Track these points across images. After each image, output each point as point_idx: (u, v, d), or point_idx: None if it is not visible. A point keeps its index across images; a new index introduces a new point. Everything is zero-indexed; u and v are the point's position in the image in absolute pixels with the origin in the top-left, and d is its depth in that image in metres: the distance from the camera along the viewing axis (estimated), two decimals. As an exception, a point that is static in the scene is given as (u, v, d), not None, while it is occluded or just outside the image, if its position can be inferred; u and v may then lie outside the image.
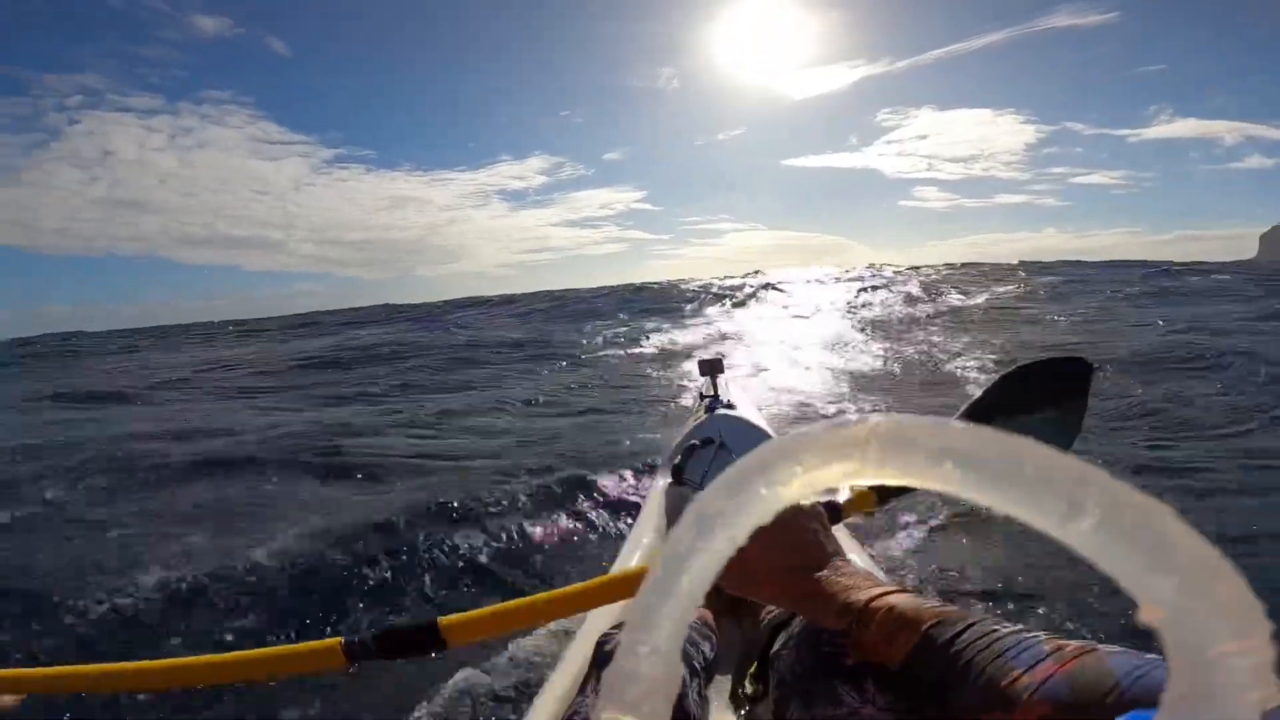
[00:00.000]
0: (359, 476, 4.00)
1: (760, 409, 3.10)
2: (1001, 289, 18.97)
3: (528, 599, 0.70)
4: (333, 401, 7.28)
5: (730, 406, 2.56)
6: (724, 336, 11.77)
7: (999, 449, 0.18)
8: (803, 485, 0.19)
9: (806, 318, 14.27)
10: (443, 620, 0.66)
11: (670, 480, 2.01)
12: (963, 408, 0.97)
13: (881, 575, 0.72)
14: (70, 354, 22.21)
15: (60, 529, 3.40)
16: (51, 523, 3.52)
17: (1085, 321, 10.83)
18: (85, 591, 2.55)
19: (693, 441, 2.15)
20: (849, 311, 15.00)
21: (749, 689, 0.86)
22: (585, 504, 3.40)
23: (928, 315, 13.08)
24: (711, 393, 2.75)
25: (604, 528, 3.22)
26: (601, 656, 0.77)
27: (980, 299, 16.38)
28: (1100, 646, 0.44)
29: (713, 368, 2.82)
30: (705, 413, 2.52)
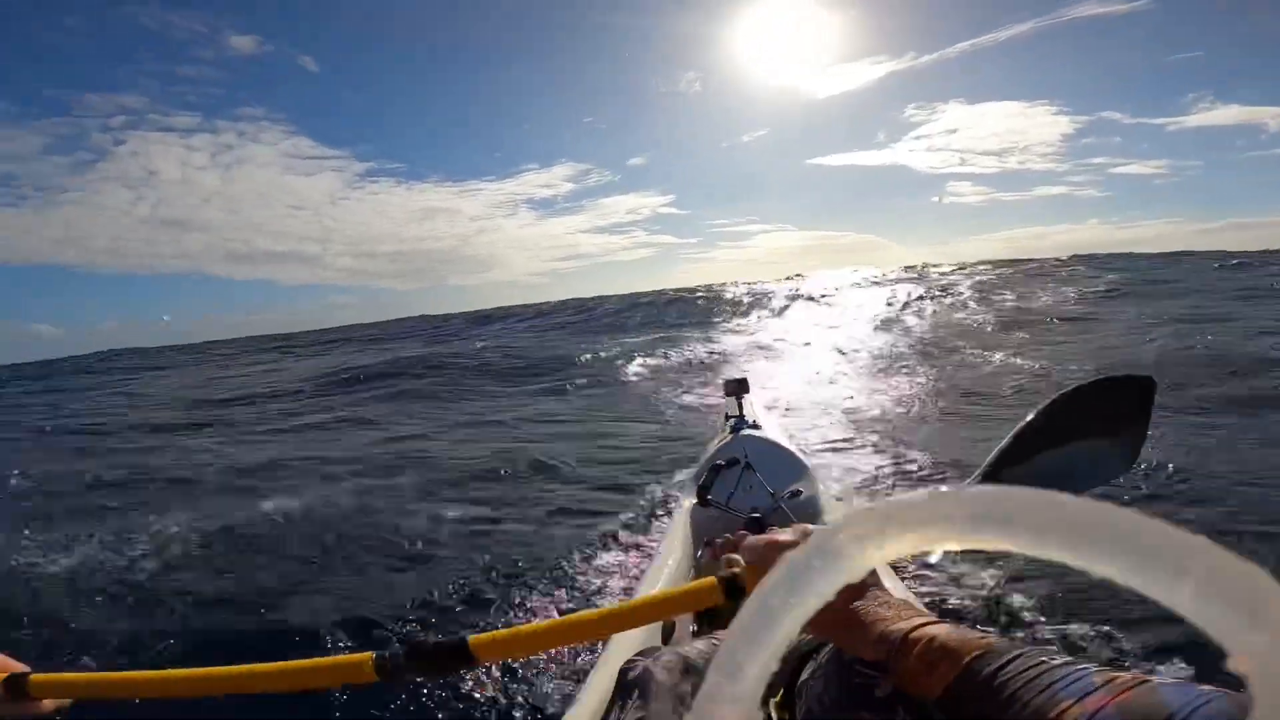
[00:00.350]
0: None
1: (788, 432, 3.11)
2: (1064, 289, 17.15)
3: (557, 620, 0.71)
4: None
5: (755, 427, 2.57)
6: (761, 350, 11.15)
7: (1102, 521, 0.18)
8: (893, 550, 0.18)
9: (852, 337, 11.75)
10: (473, 638, 0.66)
11: (696, 500, 2.01)
12: (1007, 437, 0.92)
13: (920, 605, 0.70)
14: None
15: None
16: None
17: (1191, 324, 8.79)
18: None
19: (718, 462, 2.16)
20: (893, 323, 13.25)
21: (775, 718, 0.85)
22: (611, 525, 3.43)
23: (989, 323, 11.60)
24: (737, 413, 2.76)
25: (633, 545, 3.23)
26: (625, 684, 0.76)
27: (1043, 300, 15.06)
28: (1153, 678, 0.43)
29: (738, 388, 2.83)
30: (730, 433, 2.53)
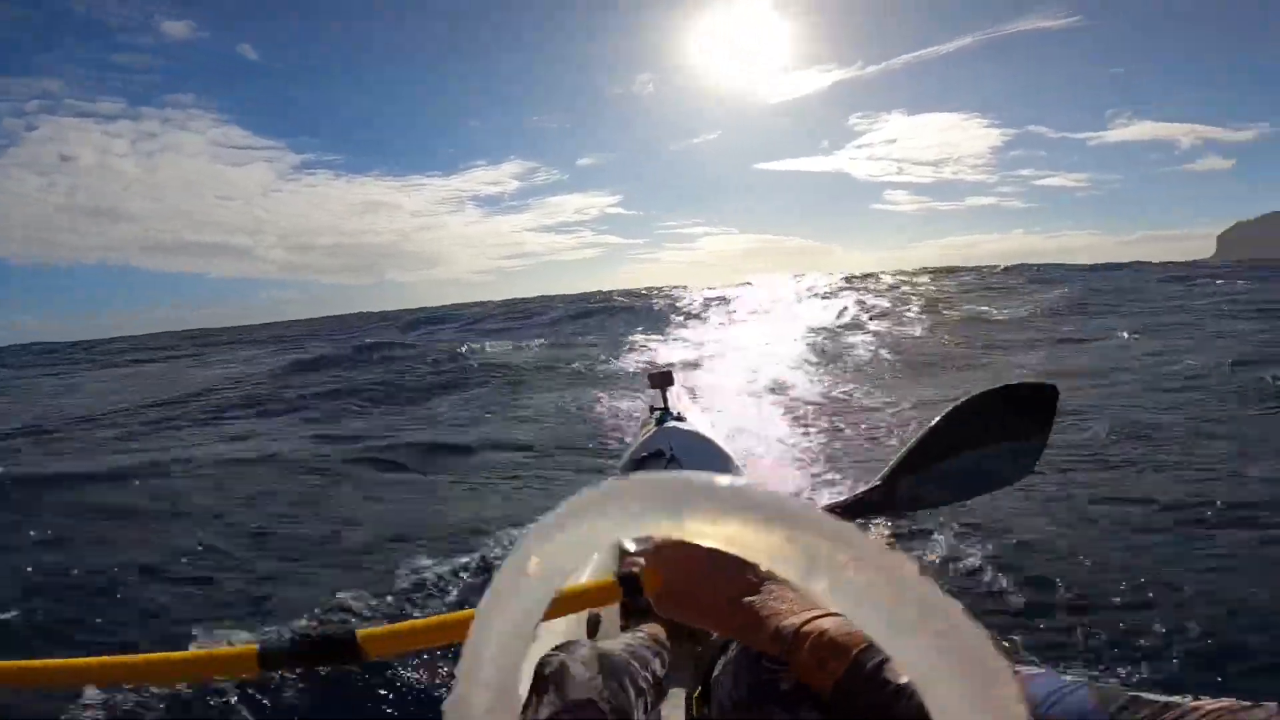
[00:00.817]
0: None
1: (711, 422, 3.10)
2: (1019, 303, 15.47)
3: (450, 615, 0.70)
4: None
5: (680, 419, 2.57)
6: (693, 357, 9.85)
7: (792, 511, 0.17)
8: (574, 538, 0.18)
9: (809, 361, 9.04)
10: (361, 632, 0.66)
11: None
12: (910, 443, 0.92)
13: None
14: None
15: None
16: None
17: (1188, 341, 7.75)
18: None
19: (642, 454, 2.16)
20: (854, 348, 10.20)
21: (695, 712, 0.86)
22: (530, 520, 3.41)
23: (950, 339, 10.52)
24: (662, 405, 2.76)
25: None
26: (541, 678, 0.76)
27: (1005, 313, 13.64)
28: (1024, 669, 0.45)
29: (662, 380, 2.83)
30: (655, 425, 2.52)
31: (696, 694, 0.90)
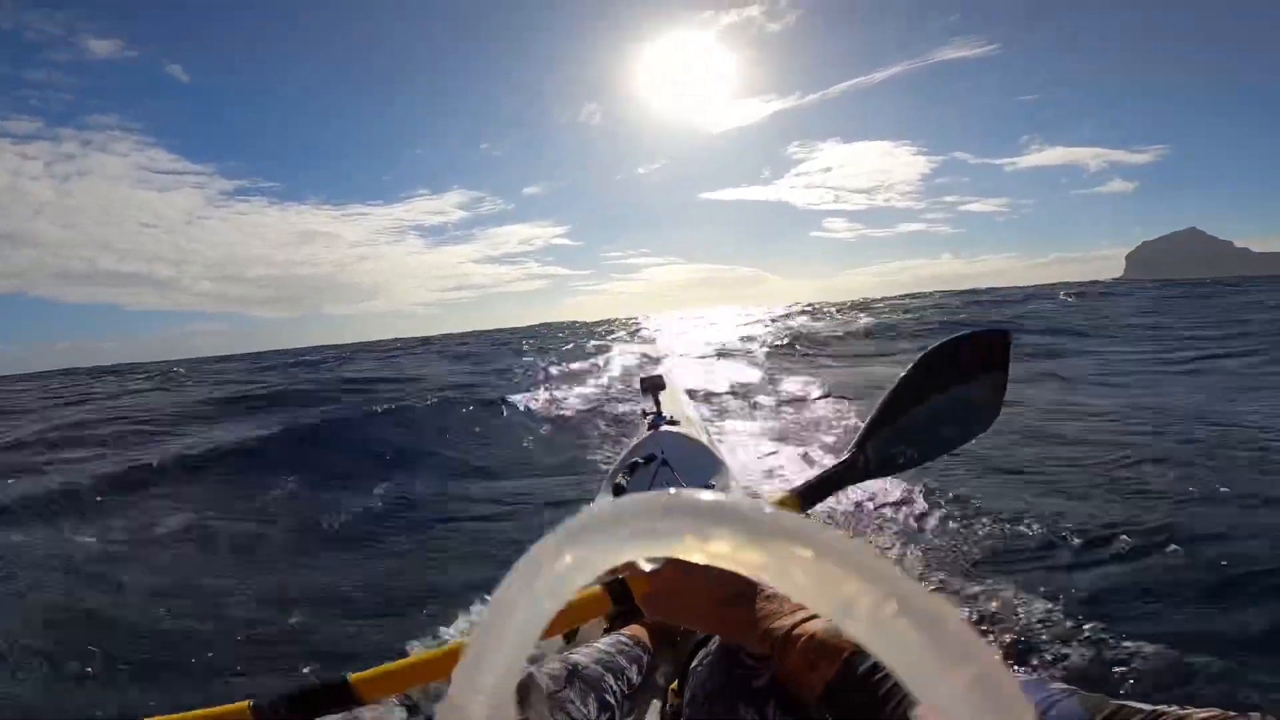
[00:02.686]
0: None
1: (707, 427, 3.06)
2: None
3: (440, 650, 0.70)
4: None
5: (673, 423, 2.57)
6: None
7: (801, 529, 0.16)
8: (581, 559, 0.18)
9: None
10: (354, 676, 0.66)
11: (612, 499, 2.01)
12: (883, 396, 0.92)
13: None
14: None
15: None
16: None
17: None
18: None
19: (635, 459, 2.15)
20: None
21: (671, 703, 0.87)
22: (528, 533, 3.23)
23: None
24: (654, 409, 2.76)
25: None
26: (521, 698, 0.77)
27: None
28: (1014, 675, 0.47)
29: (654, 385, 2.83)
30: (649, 429, 2.51)
31: (674, 686, 0.90)
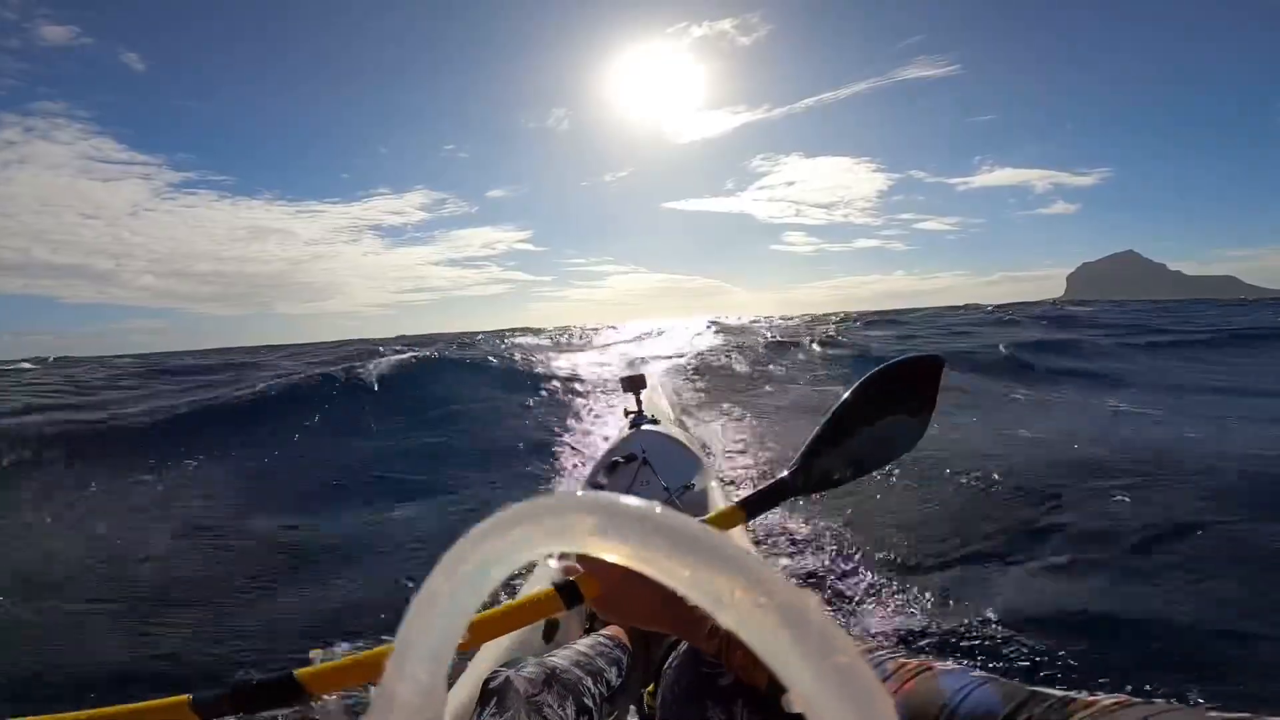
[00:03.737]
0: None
1: (687, 425, 3.06)
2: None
3: (389, 646, 0.70)
4: None
5: (654, 422, 2.56)
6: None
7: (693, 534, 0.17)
8: (501, 554, 0.19)
9: None
10: (300, 671, 0.64)
11: None
12: (825, 419, 0.97)
13: None
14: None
15: None
16: None
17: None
18: None
19: (615, 458, 2.14)
20: None
21: (647, 704, 0.89)
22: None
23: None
24: (636, 408, 2.75)
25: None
26: (485, 693, 0.76)
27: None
28: (935, 664, 0.48)
29: (635, 384, 2.81)
30: (630, 428, 2.51)
31: (649, 688, 0.92)
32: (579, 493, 0.19)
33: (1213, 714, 0.30)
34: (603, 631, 1.04)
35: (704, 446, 3.03)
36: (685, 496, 1.99)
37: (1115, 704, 0.35)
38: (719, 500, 1.94)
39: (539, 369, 10.58)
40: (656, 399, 3.13)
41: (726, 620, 0.16)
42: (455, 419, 6.74)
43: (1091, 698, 0.37)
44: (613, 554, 0.17)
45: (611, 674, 0.89)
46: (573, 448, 5.29)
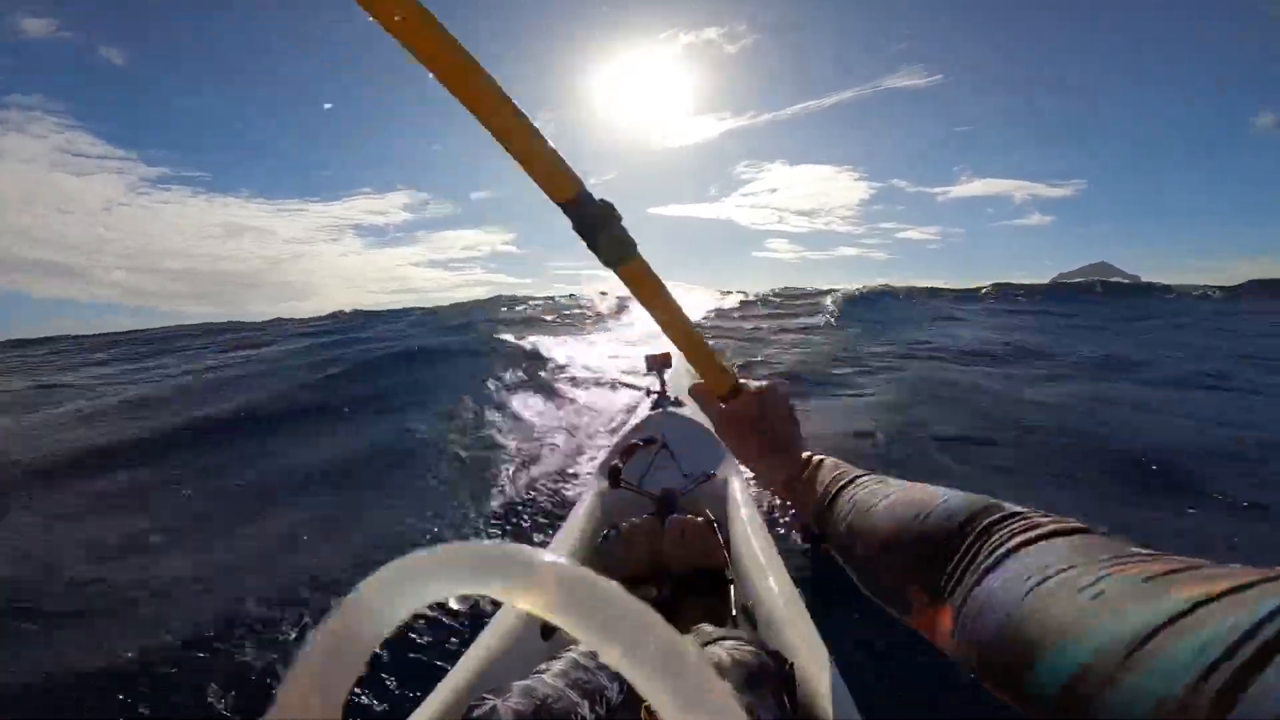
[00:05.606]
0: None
1: None
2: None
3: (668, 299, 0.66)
4: None
5: (678, 404, 2.46)
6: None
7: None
8: (408, 599, 0.19)
9: None
10: None
11: (608, 484, 1.89)
12: None
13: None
14: None
15: None
16: None
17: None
18: None
19: (634, 440, 2.07)
20: None
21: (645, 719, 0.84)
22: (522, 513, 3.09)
23: None
24: (659, 389, 2.64)
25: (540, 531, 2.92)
26: None
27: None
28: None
29: (659, 362, 2.70)
30: (653, 409, 2.43)
31: (647, 703, 0.78)
32: (486, 544, 0.19)
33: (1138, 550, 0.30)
34: (576, 649, 1.00)
35: None
36: (705, 485, 1.93)
37: (1057, 528, 0.35)
38: (737, 493, 1.87)
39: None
40: (683, 379, 3.07)
41: (610, 661, 0.17)
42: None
43: (1044, 518, 0.38)
44: (506, 598, 0.18)
45: (613, 690, 0.84)
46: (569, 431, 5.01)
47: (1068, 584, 0.29)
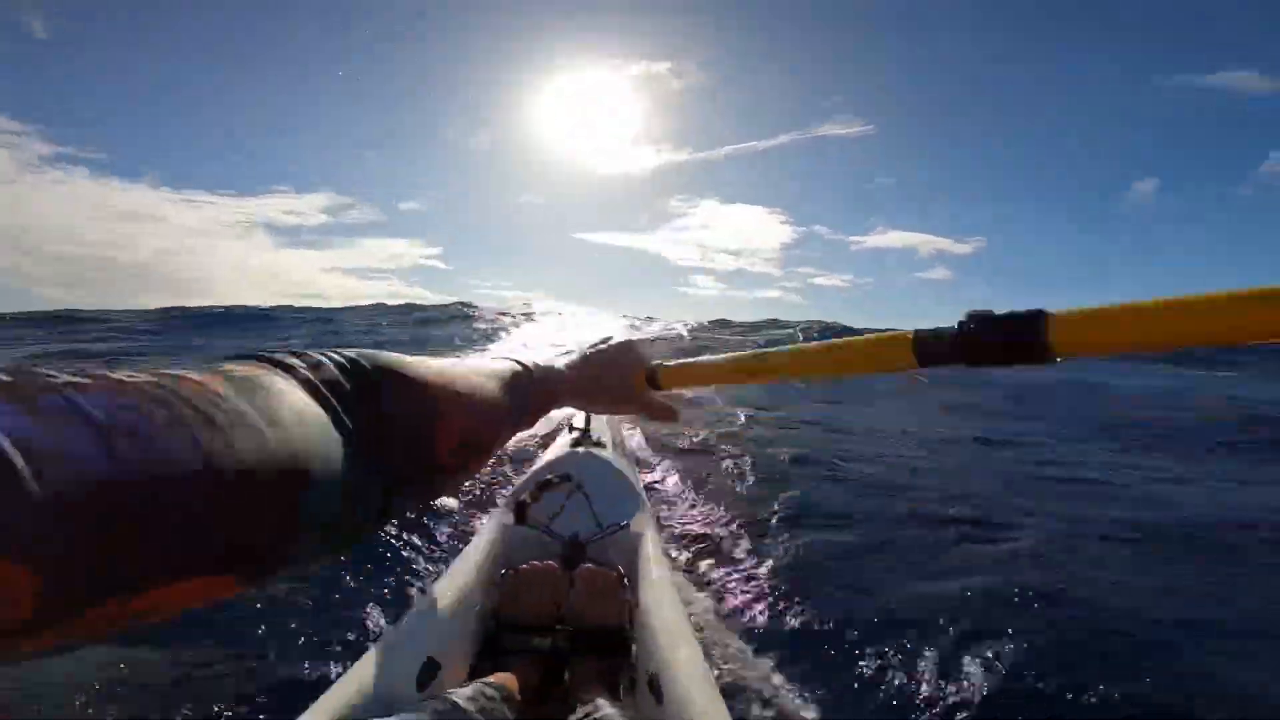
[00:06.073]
0: None
1: (632, 455, 2.84)
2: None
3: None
4: None
5: (599, 444, 2.35)
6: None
7: None
8: None
9: None
10: (1056, 313, 0.45)
11: (513, 517, 1.77)
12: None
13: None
14: None
15: None
16: None
17: None
18: None
19: (547, 477, 1.94)
20: None
21: None
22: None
23: None
24: (583, 426, 2.50)
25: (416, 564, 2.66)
26: None
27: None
28: None
29: None
30: (572, 446, 2.31)
31: None
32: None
33: None
34: (488, 680, 0.95)
35: (646, 487, 2.84)
36: (616, 536, 1.86)
37: None
38: (650, 548, 1.81)
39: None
40: (607, 422, 2.91)
41: None
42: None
43: None
44: None
45: None
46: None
47: None
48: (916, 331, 0.50)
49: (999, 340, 0.43)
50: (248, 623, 2.08)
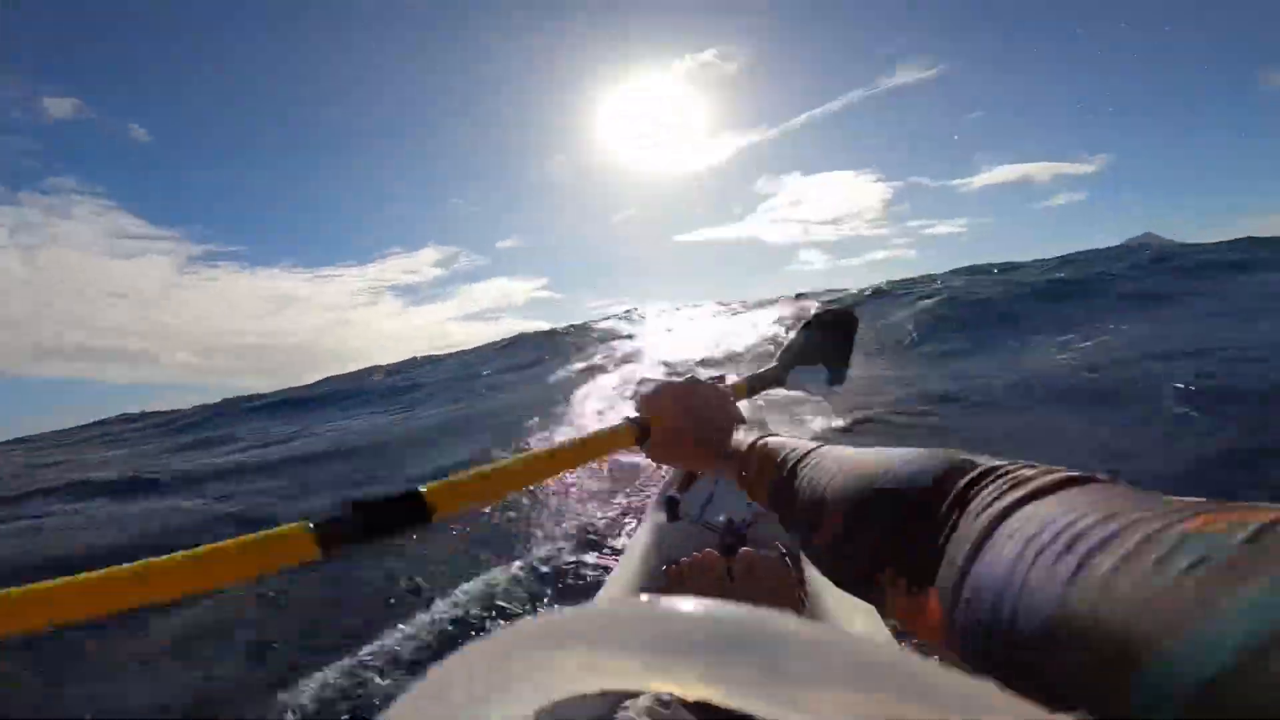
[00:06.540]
0: None
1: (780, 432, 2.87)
2: None
3: (517, 458, 0.64)
4: None
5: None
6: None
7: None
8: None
9: None
10: (426, 488, 0.57)
11: (665, 516, 1.74)
12: (777, 357, 1.12)
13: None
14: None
15: None
16: None
17: None
18: None
19: (674, 494, 1.85)
20: None
21: None
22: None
23: None
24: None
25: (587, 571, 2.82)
26: None
27: None
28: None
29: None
30: None
31: None
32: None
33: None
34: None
35: None
36: (757, 526, 1.74)
37: (1053, 480, 0.30)
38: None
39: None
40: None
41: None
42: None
43: (1029, 469, 0.32)
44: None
45: None
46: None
47: (1132, 558, 0.21)
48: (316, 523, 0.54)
49: (391, 515, 0.55)
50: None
